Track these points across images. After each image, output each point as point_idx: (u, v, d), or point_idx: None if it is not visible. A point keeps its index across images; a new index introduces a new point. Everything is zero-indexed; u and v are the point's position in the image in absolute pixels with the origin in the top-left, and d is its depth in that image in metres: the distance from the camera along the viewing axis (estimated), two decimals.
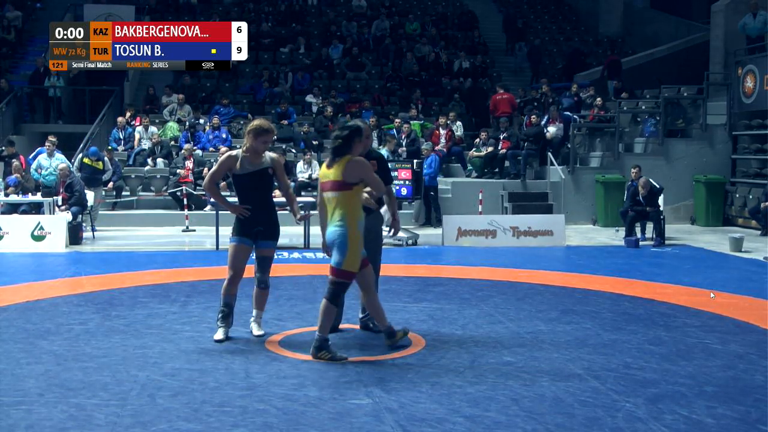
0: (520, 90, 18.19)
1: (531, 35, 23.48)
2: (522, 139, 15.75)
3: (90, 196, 13.24)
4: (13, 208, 12.63)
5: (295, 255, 10.97)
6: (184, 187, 14.26)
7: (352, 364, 5.43)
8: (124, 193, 14.92)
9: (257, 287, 6.20)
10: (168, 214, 14.45)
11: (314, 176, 14.40)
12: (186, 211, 13.83)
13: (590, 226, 14.90)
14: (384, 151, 13.87)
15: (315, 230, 10.06)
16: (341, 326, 6.46)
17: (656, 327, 6.65)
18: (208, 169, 14.76)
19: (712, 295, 8.10)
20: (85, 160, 13.79)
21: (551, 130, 15.85)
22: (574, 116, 16.19)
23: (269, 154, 6.15)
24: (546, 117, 16.17)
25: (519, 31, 22.50)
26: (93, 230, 12.96)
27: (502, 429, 4.26)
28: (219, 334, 6.11)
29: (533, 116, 16.00)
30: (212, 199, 13.14)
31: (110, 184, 14.62)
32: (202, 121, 17.08)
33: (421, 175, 13.19)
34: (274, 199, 6.32)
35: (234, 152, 6.10)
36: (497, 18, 24.99)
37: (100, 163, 13.84)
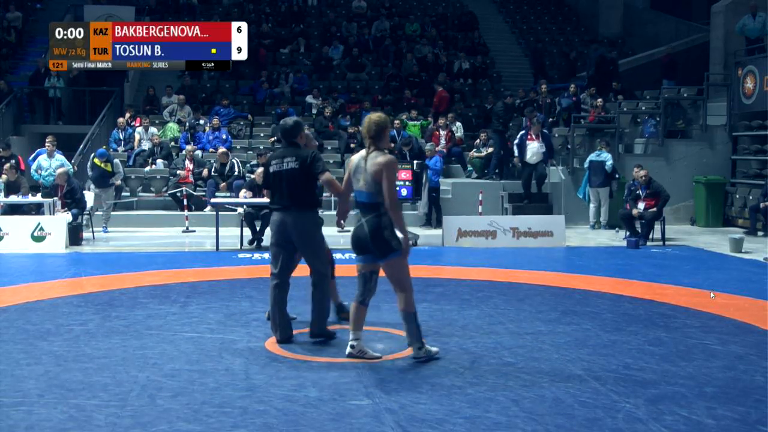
0: (520, 91, 18.18)
1: (532, 36, 23.46)
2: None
3: (89, 196, 13.24)
4: (12, 209, 12.62)
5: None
6: (184, 188, 14.27)
7: (352, 365, 5.43)
8: (124, 193, 14.91)
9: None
10: (168, 214, 14.45)
11: None
12: (186, 212, 13.83)
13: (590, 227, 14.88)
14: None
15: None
16: (332, 327, 6.42)
17: (656, 328, 6.66)
18: (208, 170, 14.95)
19: (712, 295, 8.11)
20: (95, 160, 13.78)
21: (531, 150, 14.11)
22: (554, 133, 15.70)
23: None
24: (522, 132, 14.50)
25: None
26: (104, 231, 13.31)
27: (502, 430, 4.26)
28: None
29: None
30: (212, 200, 13.24)
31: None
32: (202, 122, 17.07)
33: (424, 175, 13.20)
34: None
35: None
36: (497, 19, 24.98)
37: (109, 165, 13.69)
